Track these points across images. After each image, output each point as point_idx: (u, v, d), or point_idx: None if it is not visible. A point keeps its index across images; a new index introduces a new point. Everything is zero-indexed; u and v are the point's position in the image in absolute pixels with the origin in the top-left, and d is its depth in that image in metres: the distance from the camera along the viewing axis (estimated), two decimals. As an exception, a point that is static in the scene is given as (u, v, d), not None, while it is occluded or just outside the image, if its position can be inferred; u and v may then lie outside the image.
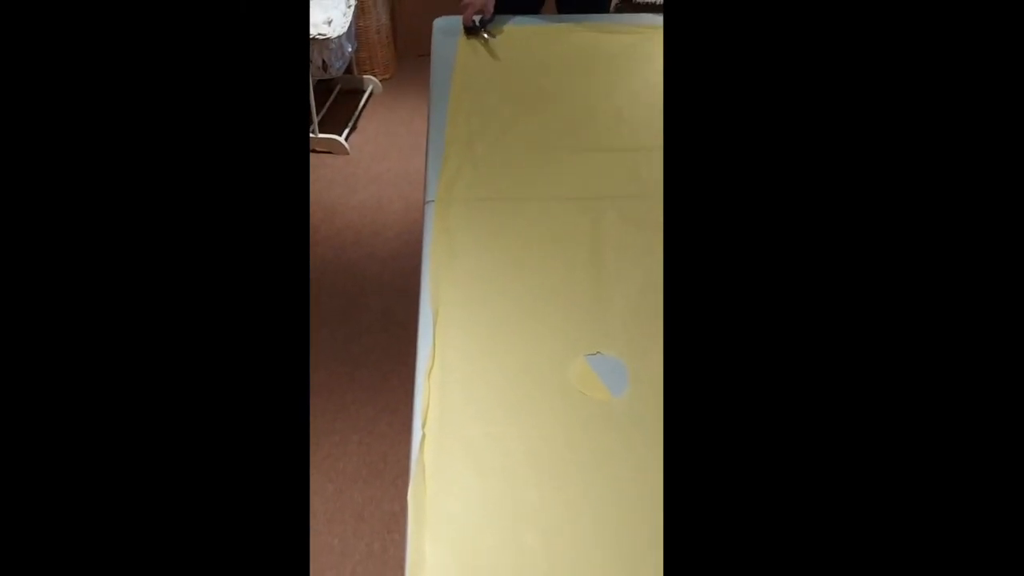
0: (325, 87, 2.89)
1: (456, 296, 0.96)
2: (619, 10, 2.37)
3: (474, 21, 1.60)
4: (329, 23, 2.52)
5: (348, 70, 2.91)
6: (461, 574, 0.69)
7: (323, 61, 2.51)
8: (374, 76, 3.04)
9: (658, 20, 1.71)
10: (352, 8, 2.64)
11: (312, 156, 2.64)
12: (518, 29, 1.66)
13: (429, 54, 1.58)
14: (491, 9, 1.63)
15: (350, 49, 2.66)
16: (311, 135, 2.61)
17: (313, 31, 2.45)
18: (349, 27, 2.58)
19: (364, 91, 2.98)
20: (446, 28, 1.65)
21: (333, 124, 2.74)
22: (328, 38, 2.46)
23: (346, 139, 2.67)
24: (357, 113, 2.86)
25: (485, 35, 1.60)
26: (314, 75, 2.53)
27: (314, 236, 2.26)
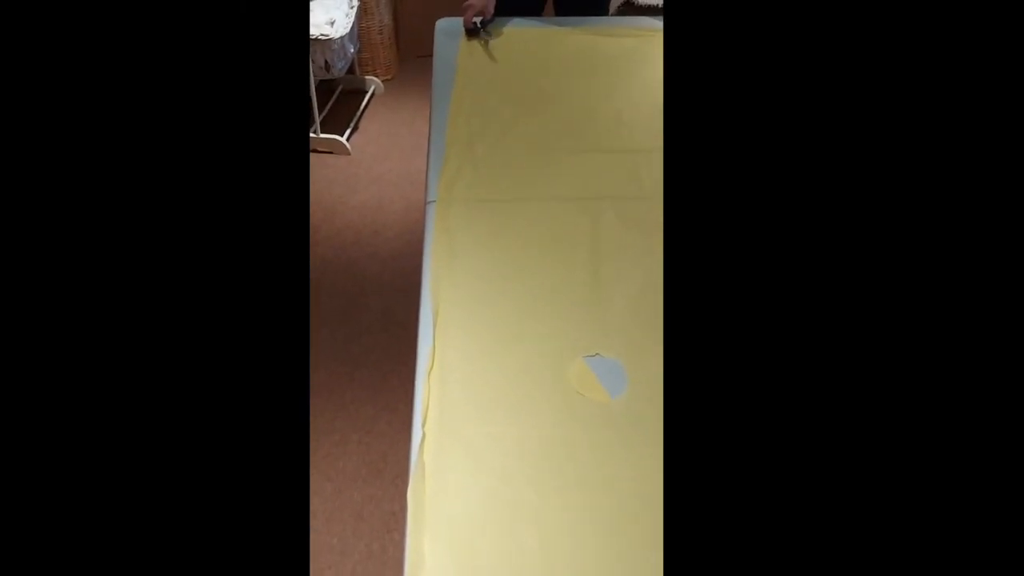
0: (327, 87, 2.89)
1: (456, 296, 0.97)
2: (621, 13, 2.37)
3: (475, 23, 1.61)
4: (332, 24, 2.52)
5: (350, 70, 2.92)
6: (460, 574, 0.69)
7: (325, 61, 2.51)
8: (376, 77, 3.04)
9: (658, 23, 1.71)
10: (355, 9, 2.65)
11: (313, 156, 2.65)
12: (519, 31, 1.66)
13: (431, 55, 1.59)
14: (491, 10, 1.64)
15: (352, 49, 2.67)
16: (313, 135, 2.62)
17: (316, 31, 2.45)
18: (351, 28, 2.58)
19: (366, 91, 2.99)
20: (448, 29, 1.66)
21: (335, 124, 2.74)
22: (331, 38, 2.46)
23: (348, 139, 2.68)
24: (359, 113, 2.86)
25: (485, 36, 1.60)
26: (316, 75, 2.54)
27: (315, 236, 2.26)
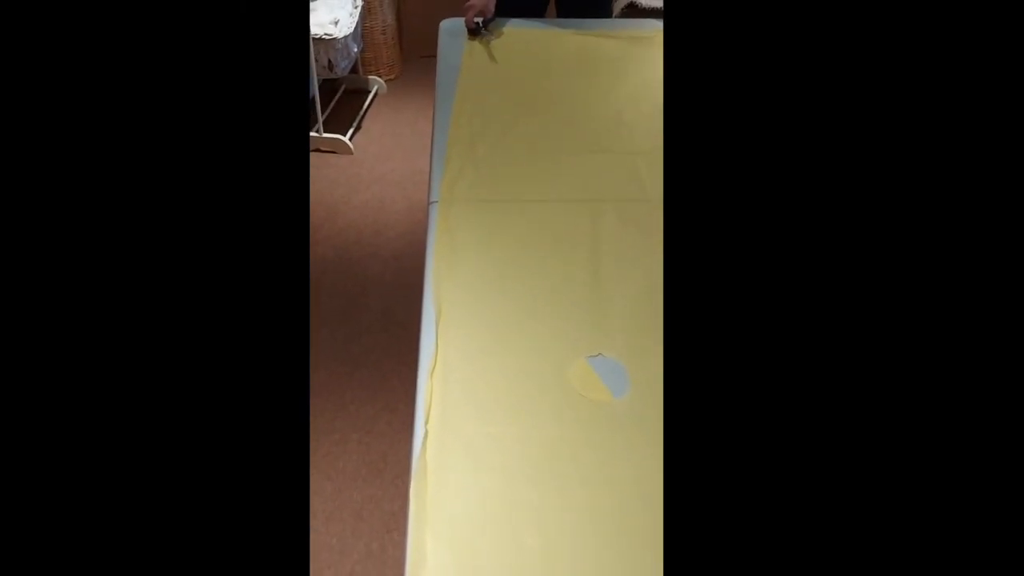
0: (330, 87, 2.90)
1: (458, 296, 0.97)
2: (624, 15, 2.37)
3: (476, 22, 1.62)
4: (336, 23, 2.52)
5: (353, 70, 2.92)
6: (460, 573, 0.69)
7: (329, 61, 2.51)
8: (379, 76, 3.04)
9: (661, 25, 1.71)
10: (359, 8, 2.65)
11: (316, 155, 2.65)
12: (523, 33, 1.66)
13: (434, 55, 1.59)
14: (492, 9, 1.65)
15: (356, 49, 2.67)
16: (316, 134, 2.62)
17: (320, 31, 2.46)
18: (355, 27, 2.58)
19: (369, 91, 2.99)
20: (452, 30, 1.66)
21: (338, 124, 2.75)
22: (334, 38, 2.47)
23: (350, 139, 2.68)
24: (362, 113, 2.86)
25: (487, 35, 1.61)
26: (320, 75, 2.54)
27: (317, 235, 2.26)
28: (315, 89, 2.54)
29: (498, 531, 0.72)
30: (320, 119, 2.60)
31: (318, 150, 2.66)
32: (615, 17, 2.22)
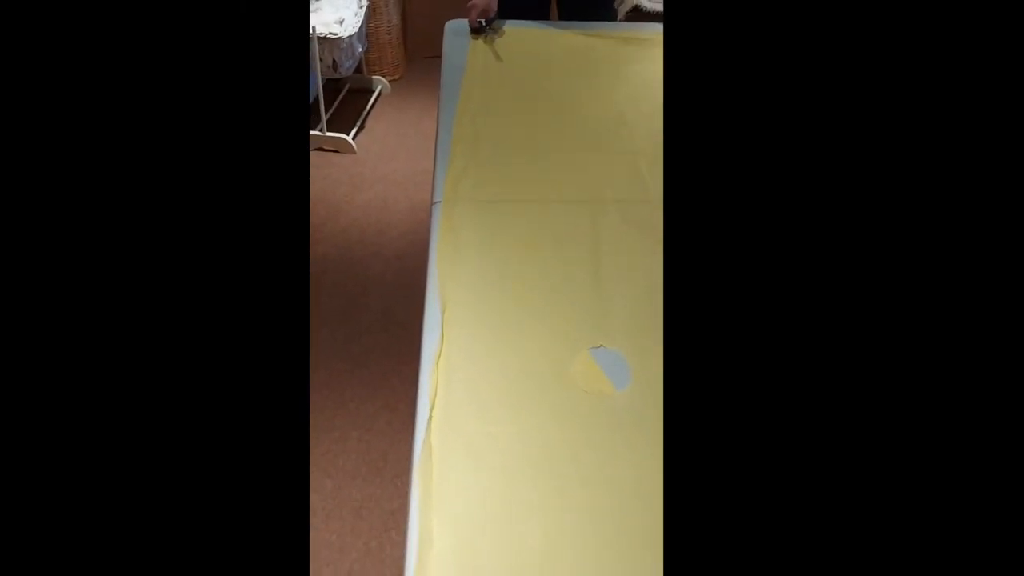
0: (334, 86, 2.90)
1: (460, 296, 0.97)
2: (629, 19, 2.38)
3: (480, 22, 1.63)
4: (340, 23, 2.53)
5: (358, 70, 2.93)
6: (462, 570, 0.69)
7: (333, 60, 2.52)
8: (383, 76, 3.05)
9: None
10: (364, 8, 2.66)
11: (319, 155, 2.65)
12: (527, 34, 1.67)
13: (438, 55, 1.60)
14: (494, 8, 1.66)
15: (360, 49, 2.67)
16: (319, 133, 2.62)
17: (324, 30, 2.46)
18: (360, 27, 2.59)
19: (373, 91, 2.99)
20: (457, 30, 1.67)
21: (341, 123, 2.75)
22: (339, 37, 2.47)
23: (353, 138, 2.68)
24: (365, 113, 2.87)
25: (490, 34, 1.63)
26: (324, 74, 2.54)
27: (319, 234, 2.26)
28: (319, 88, 2.55)
29: (498, 531, 0.72)
30: (324, 118, 2.61)
31: (321, 149, 2.66)
32: (619, 21, 2.23)
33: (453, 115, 1.35)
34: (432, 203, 1.15)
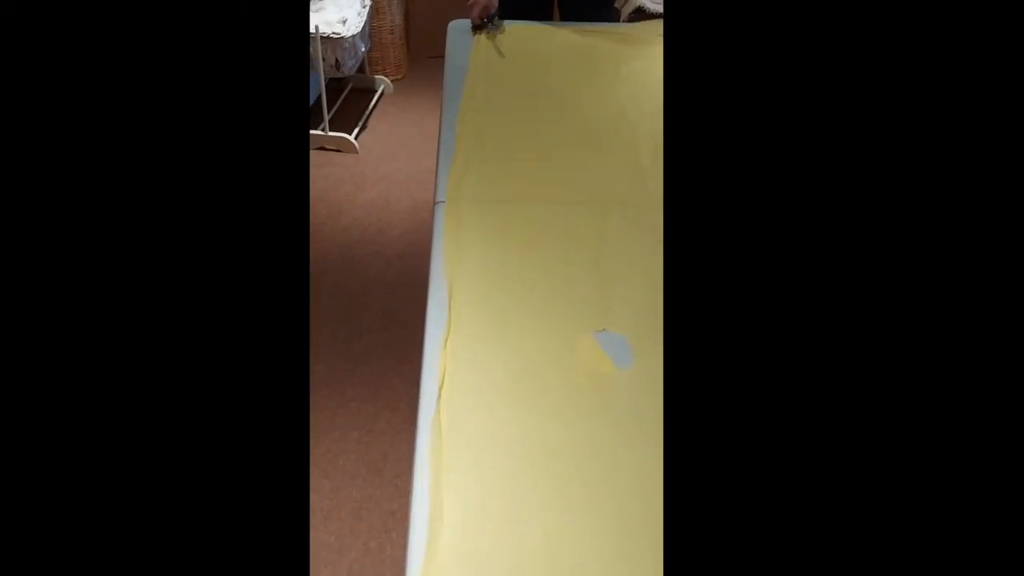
0: (337, 86, 2.90)
1: (462, 296, 0.97)
2: (632, 20, 2.37)
3: (482, 19, 1.65)
4: (344, 22, 2.53)
5: (360, 69, 2.93)
6: (464, 566, 0.69)
7: (336, 60, 2.52)
8: (386, 76, 3.05)
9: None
10: (367, 8, 2.66)
11: (321, 154, 2.65)
12: (530, 34, 1.67)
13: (441, 56, 1.60)
14: (495, 4, 1.68)
15: (363, 49, 2.67)
16: (321, 132, 2.62)
17: (328, 30, 2.46)
18: (363, 27, 2.59)
19: (375, 91, 2.99)
20: (460, 30, 1.67)
21: (343, 122, 2.75)
22: (342, 37, 2.47)
23: (356, 138, 2.68)
24: (368, 112, 2.87)
25: (492, 30, 1.64)
26: (327, 73, 2.54)
27: (321, 233, 2.26)
28: (322, 88, 2.55)
29: (499, 530, 0.72)
30: (326, 117, 2.61)
31: (323, 148, 2.66)
32: (622, 22, 2.23)
33: (456, 114, 1.35)
34: (435, 203, 1.15)
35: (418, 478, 0.75)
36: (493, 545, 0.71)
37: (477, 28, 1.65)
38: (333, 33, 2.46)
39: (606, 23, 1.80)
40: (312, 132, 2.63)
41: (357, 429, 1.66)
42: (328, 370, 1.80)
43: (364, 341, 1.88)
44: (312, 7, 2.60)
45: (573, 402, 0.84)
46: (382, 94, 3.01)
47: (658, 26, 1.75)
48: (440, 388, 0.84)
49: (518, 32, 1.66)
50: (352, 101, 2.91)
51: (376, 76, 3.02)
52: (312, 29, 2.41)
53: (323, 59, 2.48)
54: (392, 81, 3.06)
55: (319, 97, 2.58)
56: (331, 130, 2.63)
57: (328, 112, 2.62)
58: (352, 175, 2.55)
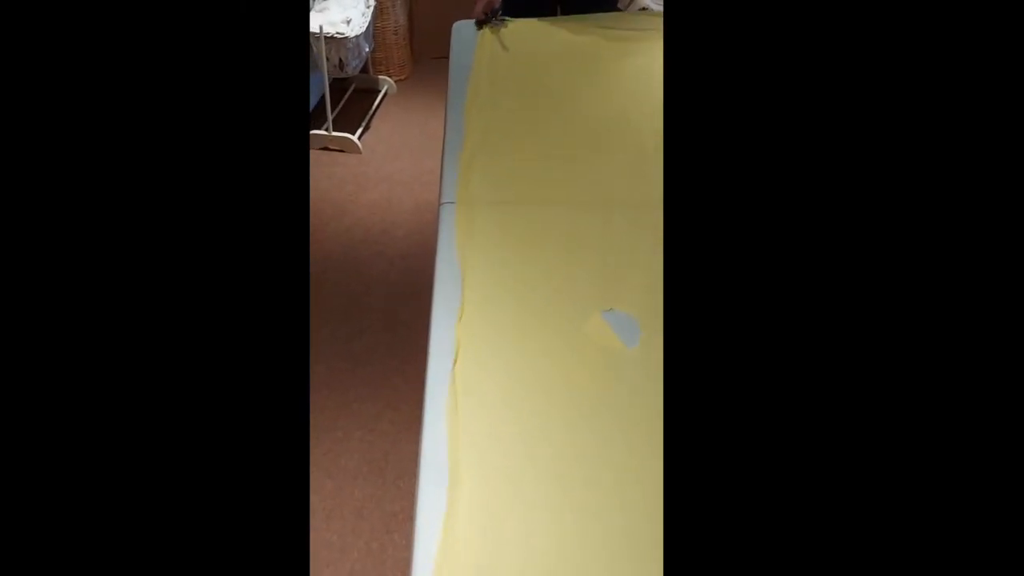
0: (340, 86, 2.90)
1: (464, 297, 0.97)
2: (636, 20, 2.37)
3: (486, 14, 1.66)
4: (348, 22, 2.53)
5: (364, 69, 2.93)
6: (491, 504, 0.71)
7: (340, 60, 2.52)
8: (389, 77, 3.05)
9: None
10: (371, 8, 2.66)
11: (325, 154, 2.65)
12: (535, 33, 1.67)
13: (444, 57, 1.60)
14: (498, 0, 1.69)
15: (367, 49, 2.68)
16: (325, 132, 2.62)
17: (331, 30, 2.46)
18: (367, 27, 2.59)
19: (379, 91, 3.00)
20: (465, 31, 1.67)
21: (347, 123, 2.75)
22: (346, 37, 2.47)
23: (359, 138, 2.68)
24: (371, 113, 2.87)
25: (497, 24, 1.65)
26: (330, 73, 2.54)
27: (324, 233, 2.26)
28: (325, 88, 2.55)
29: (501, 530, 0.72)
30: (329, 118, 2.61)
31: (327, 148, 2.66)
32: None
33: (461, 115, 1.35)
34: (440, 204, 1.15)
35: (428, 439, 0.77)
36: (497, 546, 0.71)
37: (481, 23, 1.66)
38: (337, 33, 2.46)
39: (614, 14, 1.81)
40: (315, 132, 2.63)
41: (359, 429, 1.66)
42: (330, 370, 1.80)
43: (366, 341, 1.88)
44: (316, 7, 2.60)
45: (580, 405, 0.84)
46: (385, 94, 3.01)
47: (661, 18, 1.75)
48: (455, 360, 0.86)
49: (522, 29, 1.66)
50: (355, 101, 2.91)
51: (380, 76, 3.03)
52: (316, 29, 2.41)
53: (327, 59, 2.48)
54: (396, 81, 3.06)
55: (322, 97, 2.58)
56: (334, 130, 2.63)
57: (331, 112, 2.62)
58: (355, 175, 2.55)
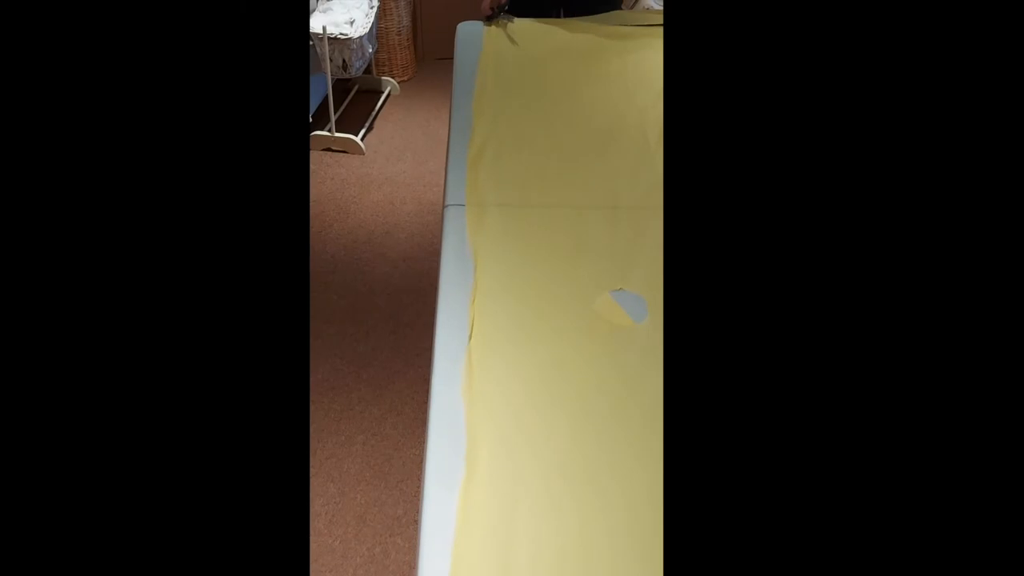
0: (343, 87, 2.90)
1: (466, 298, 0.96)
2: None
3: (493, 9, 1.67)
4: (351, 23, 2.52)
5: (367, 70, 2.92)
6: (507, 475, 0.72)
7: (343, 60, 2.51)
8: (392, 78, 3.04)
9: None
10: (375, 9, 2.65)
11: (327, 154, 2.65)
12: (539, 33, 1.66)
13: (448, 58, 1.59)
14: None
15: (370, 50, 2.67)
16: (328, 133, 2.62)
17: (335, 30, 2.46)
18: (371, 28, 2.58)
19: (382, 92, 2.99)
20: (470, 32, 1.66)
21: (350, 123, 2.74)
22: (349, 38, 2.46)
23: (362, 139, 2.67)
24: (374, 114, 2.86)
25: (505, 19, 1.65)
26: (334, 74, 2.54)
27: (326, 234, 2.26)
28: (328, 88, 2.54)
29: (503, 532, 0.71)
30: (332, 118, 2.60)
31: (330, 149, 2.65)
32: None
33: (464, 117, 1.34)
34: (444, 206, 1.14)
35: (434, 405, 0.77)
36: (502, 548, 0.70)
37: (488, 19, 1.66)
38: (340, 34, 2.45)
39: (621, 12, 1.81)
40: (318, 133, 2.62)
41: (362, 432, 1.65)
42: (333, 372, 1.79)
43: (370, 343, 1.87)
44: (319, 8, 2.60)
45: (586, 409, 0.83)
46: (389, 95, 3.00)
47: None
48: (470, 338, 0.89)
49: (528, 31, 1.66)
50: (359, 102, 2.90)
51: (383, 77, 3.02)
52: (319, 30, 2.41)
53: (330, 60, 2.48)
54: (399, 83, 3.05)
55: (325, 98, 2.57)
56: (337, 131, 2.62)
57: (334, 113, 2.61)
58: (358, 176, 2.54)
